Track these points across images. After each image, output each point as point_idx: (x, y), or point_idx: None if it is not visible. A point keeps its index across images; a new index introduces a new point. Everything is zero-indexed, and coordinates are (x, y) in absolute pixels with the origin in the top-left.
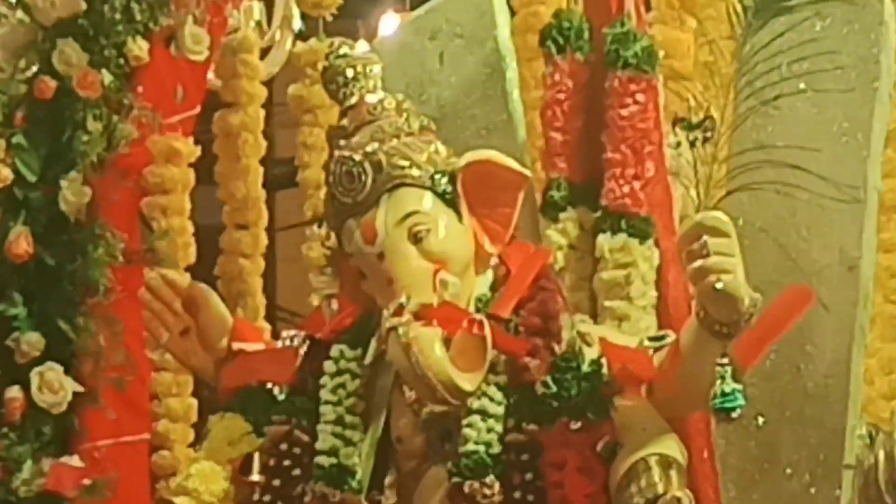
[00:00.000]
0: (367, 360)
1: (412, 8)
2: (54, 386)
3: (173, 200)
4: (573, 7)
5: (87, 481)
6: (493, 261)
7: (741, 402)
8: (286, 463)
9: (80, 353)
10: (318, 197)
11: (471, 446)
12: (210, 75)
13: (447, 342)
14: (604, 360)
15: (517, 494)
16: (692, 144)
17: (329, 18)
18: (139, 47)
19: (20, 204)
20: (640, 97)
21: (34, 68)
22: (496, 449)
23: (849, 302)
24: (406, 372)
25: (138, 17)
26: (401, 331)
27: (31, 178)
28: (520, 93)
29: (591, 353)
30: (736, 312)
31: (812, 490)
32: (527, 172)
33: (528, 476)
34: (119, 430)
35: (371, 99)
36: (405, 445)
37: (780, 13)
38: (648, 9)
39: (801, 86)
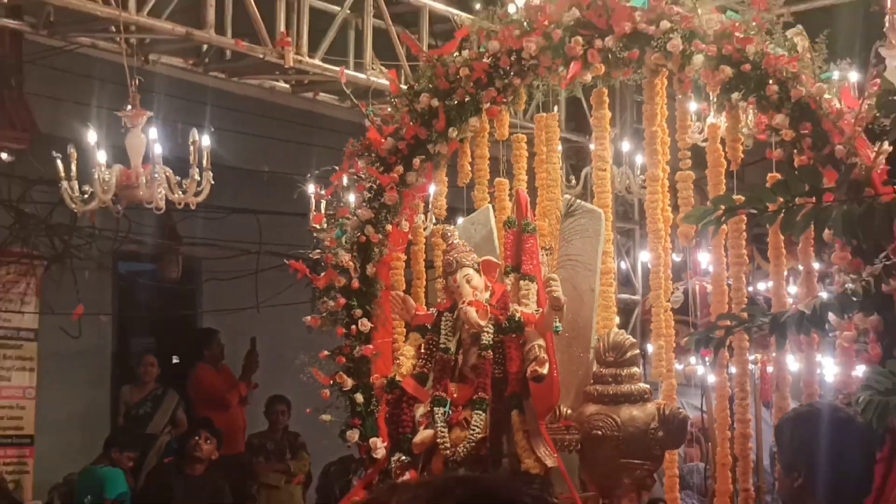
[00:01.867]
0: (454, 316)
1: (467, 214)
2: (366, 325)
3: (397, 273)
4: (512, 216)
5: (374, 353)
6: (490, 288)
7: (560, 328)
8: (432, 348)
9: (373, 316)
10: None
11: (483, 342)
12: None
13: (478, 312)
14: (521, 317)
15: (498, 358)
16: (547, 255)
17: (442, 217)
18: (384, 231)
19: (344, 270)
20: (531, 243)
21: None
22: (491, 343)
23: (592, 301)
24: (465, 321)
25: (382, 222)
26: (463, 308)
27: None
28: (499, 241)
29: (517, 315)
30: (560, 304)
31: (581, 354)
32: (500, 263)
33: (500, 352)
34: (383, 339)
35: (455, 243)
36: (465, 344)
37: (570, 216)
38: (534, 216)
39: (578, 240)
